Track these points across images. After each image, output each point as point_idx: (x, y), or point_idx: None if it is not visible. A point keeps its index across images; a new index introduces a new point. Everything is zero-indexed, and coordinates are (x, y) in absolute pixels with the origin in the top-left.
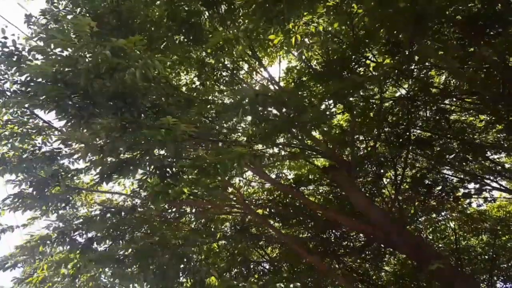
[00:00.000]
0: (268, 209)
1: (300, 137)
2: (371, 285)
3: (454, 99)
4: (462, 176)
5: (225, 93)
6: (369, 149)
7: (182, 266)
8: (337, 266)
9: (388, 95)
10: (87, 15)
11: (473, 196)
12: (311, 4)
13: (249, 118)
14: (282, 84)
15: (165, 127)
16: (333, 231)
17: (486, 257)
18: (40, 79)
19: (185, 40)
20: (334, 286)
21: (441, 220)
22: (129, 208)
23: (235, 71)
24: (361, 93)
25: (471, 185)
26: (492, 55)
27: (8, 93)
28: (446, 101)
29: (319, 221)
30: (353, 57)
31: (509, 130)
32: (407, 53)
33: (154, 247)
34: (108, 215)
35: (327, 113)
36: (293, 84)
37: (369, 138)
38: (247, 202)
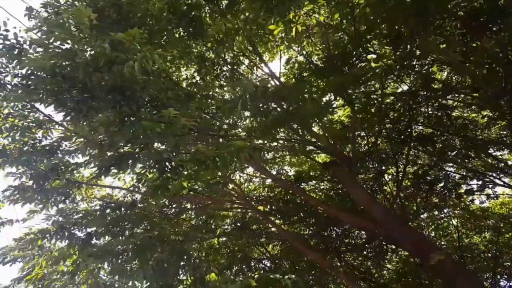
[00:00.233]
0: (269, 206)
1: (300, 132)
2: (373, 283)
3: (456, 95)
4: (464, 173)
5: (225, 88)
6: (370, 145)
7: (182, 263)
8: (338, 264)
9: (389, 91)
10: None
11: (476, 193)
12: None
13: (248, 113)
14: (282, 79)
15: (165, 120)
16: (335, 228)
17: (489, 255)
18: (39, 73)
19: (185, 34)
20: (336, 284)
21: (444, 217)
22: (129, 203)
23: (235, 66)
24: (362, 89)
25: (474, 182)
26: (494, 47)
27: (9, 87)
28: (448, 97)
29: (320, 218)
30: (354, 52)
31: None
32: (408, 47)
33: (153, 242)
34: (108, 210)
35: (327, 106)
36: (293, 79)
37: (371, 134)
38: (247, 198)
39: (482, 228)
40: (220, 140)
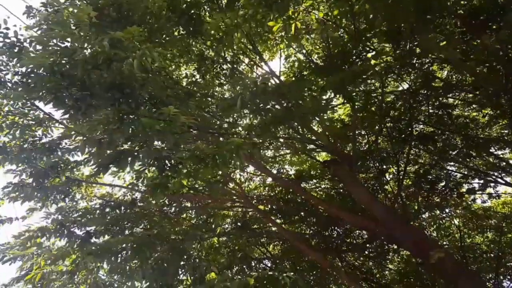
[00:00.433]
0: (269, 205)
1: (300, 130)
2: (374, 284)
3: (457, 94)
4: (466, 172)
5: (225, 87)
6: (371, 144)
7: (181, 262)
8: (339, 264)
9: (390, 89)
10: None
11: (477, 192)
12: None
13: (248, 111)
14: (282, 78)
15: (164, 117)
16: (336, 228)
17: (492, 255)
18: (38, 71)
19: (185, 32)
20: (337, 285)
21: (445, 217)
22: (129, 202)
23: (235, 65)
24: (363, 88)
25: (475, 181)
26: (494, 43)
27: (9, 84)
28: (449, 96)
29: (321, 218)
30: (354, 51)
31: None
32: (408, 44)
33: (153, 240)
34: (108, 209)
35: (327, 104)
36: (294, 78)
37: (371, 133)
38: (248, 197)
39: (484, 228)
40: (220, 138)
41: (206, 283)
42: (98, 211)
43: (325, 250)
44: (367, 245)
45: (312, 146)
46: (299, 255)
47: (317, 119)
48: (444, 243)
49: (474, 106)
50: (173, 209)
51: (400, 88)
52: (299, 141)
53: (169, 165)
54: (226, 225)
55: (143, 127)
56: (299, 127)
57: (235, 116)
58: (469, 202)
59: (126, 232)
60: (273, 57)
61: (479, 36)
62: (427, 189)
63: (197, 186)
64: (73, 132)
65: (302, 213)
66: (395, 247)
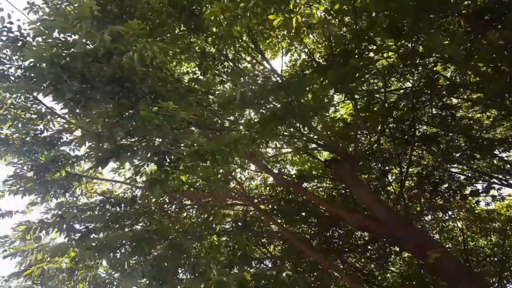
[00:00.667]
0: (270, 205)
1: (301, 129)
2: (376, 286)
3: (461, 94)
4: (469, 174)
5: (226, 85)
6: (373, 144)
7: (181, 260)
8: (341, 266)
9: (393, 88)
10: None
11: (481, 194)
12: None
13: (248, 107)
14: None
15: (164, 112)
16: (337, 229)
17: (495, 258)
18: (38, 63)
19: (186, 29)
20: (338, 286)
21: (448, 219)
22: (129, 199)
23: (236, 63)
24: (365, 87)
25: (479, 183)
26: (499, 39)
27: (12, 78)
28: (453, 97)
29: (322, 218)
30: (356, 50)
31: None
32: (411, 42)
33: (151, 236)
34: (108, 206)
35: (328, 100)
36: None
37: (374, 134)
38: (249, 196)
39: (488, 231)
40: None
41: (202, 277)
42: (98, 208)
43: (326, 251)
44: (369, 246)
45: (313, 145)
46: (299, 256)
47: (318, 117)
48: (447, 246)
49: (478, 107)
50: (173, 207)
51: (403, 88)
52: (300, 139)
53: (168, 160)
54: (227, 225)
55: (142, 121)
56: (301, 125)
57: (236, 115)
58: (473, 205)
59: (126, 229)
60: (275, 55)
61: (484, 35)
62: (430, 190)
63: (197, 184)
64: (73, 127)
65: (303, 214)
66: (397, 249)
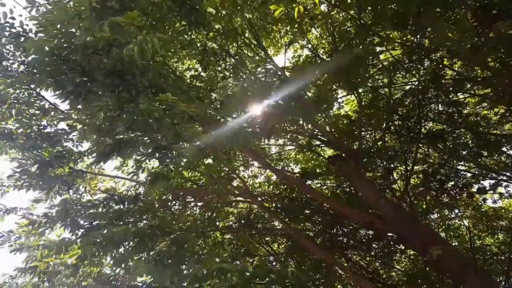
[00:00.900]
0: (274, 204)
1: (305, 125)
2: (381, 284)
3: (468, 90)
4: (476, 172)
5: (229, 80)
6: (378, 141)
7: (185, 257)
8: (345, 264)
9: (398, 84)
10: None
11: (488, 192)
12: None
13: (250, 100)
14: (287, 73)
15: (163, 104)
16: (341, 227)
17: (503, 257)
18: (39, 55)
19: (186, 23)
20: (343, 285)
21: (455, 217)
22: (133, 197)
23: (237, 57)
24: (370, 83)
25: (486, 181)
26: (508, 29)
27: (16, 74)
28: (459, 93)
29: (327, 216)
30: (360, 46)
31: None
32: (417, 36)
33: (154, 231)
34: (111, 203)
35: (331, 94)
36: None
37: (378, 131)
38: (253, 193)
39: (495, 229)
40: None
41: (205, 264)
42: (102, 205)
43: (331, 249)
44: (373, 244)
45: (317, 142)
46: (303, 254)
47: (322, 113)
48: (453, 244)
49: (485, 103)
50: (176, 205)
51: (409, 85)
52: (304, 135)
53: (169, 156)
54: (230, 223)
55: (142, 114)
56: (304, 122)
57: (238, 112)
58: (480, 202)
59: (130, 226)
60: (278, 52)
61: (491, 29)
62: (436, 188)
63: (201, 182)
64: (76, 123)
65: (307, 212)
66: (402, 247)
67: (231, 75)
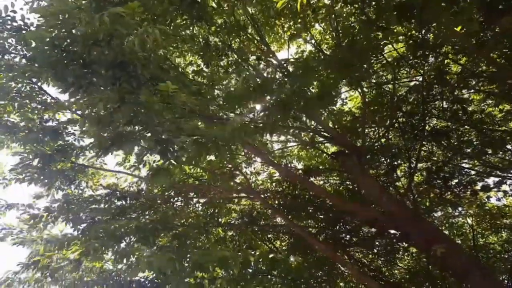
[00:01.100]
0: (277, 201)
1: (307, 121)
2: (383, 282)
3: (473, 87)
4: (480, 170)
5: (231, 75)
6: (381, 138)
7: (187, 253)
8: (348, 260)
9: (403, 81)
10: None
11: (492, 190)
12: None
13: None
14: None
15: (164, 95)
16: (344, 224)
17: (506, 256)
18: (39, 45)
19: (188, 18)
20: (345, 282)
21: (458, 215)
22: (135, 193)
23: (241, 54)
24: (373, 80)
25: (490, 179)
26: None
27: (17, 67)
28: (464, 90)
29: (329, 213)
30: (365, 42)
31: None
32: (421, 31)
33: (156, 226)
34: (113, 199)
35: (335, 88)
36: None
37: (382, 128)
38: (255, 190)
39: (499, 227)
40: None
41: (207, 251)
42: (104, 201)
43: (333, 246)
44: (376, 241)
45: (320, 138)
46: (306, 251)
47: (325, 108)
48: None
49: (490, 100)
50: (179, 202)
51: (413, 81)
52: (306, 131)
53: (171, 150)
54: (233, 220)
55: (142, 106)
56: (307, 118)
57: (240, 108)
58: (484, 200)
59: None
60: (281, 48)
61: (497, 24)
62: (440, 186)
63: (203, 178)
64: (78, 118)
65: (309, 209)
66: (405, 245)
67: (234, 71)
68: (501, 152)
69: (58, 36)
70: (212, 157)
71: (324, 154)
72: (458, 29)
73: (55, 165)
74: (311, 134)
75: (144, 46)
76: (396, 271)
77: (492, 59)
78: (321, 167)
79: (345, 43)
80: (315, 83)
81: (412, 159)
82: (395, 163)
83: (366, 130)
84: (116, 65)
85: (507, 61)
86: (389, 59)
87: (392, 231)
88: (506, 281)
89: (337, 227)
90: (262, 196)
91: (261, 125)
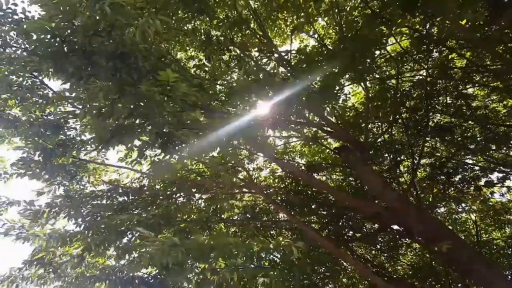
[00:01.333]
0: (279, 197)
1: (310, 117)
2: (386, 277)
3: (477, 79)
4: (483, 165)
5: (234, 70)
6: (384, 133)
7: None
8: (351, 257)
9: (406, 76)
10: None
11: (496, 185)
12: None
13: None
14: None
15: (164, 86)
16: (347, 220)
17: (509, 251)
18: (39, 34)
19: (189, 11)
20: (348, 278)
21: (461, 211)
22: (137, 189)
23: (243, 49)
24: (377, 75)
25: (494, 174)
26: None
27: (18, 61)
28: (468, 86)
29: (332, 209)
30: (368, 36)
31: None
32: (425, 25)
33: (158, 220)
34: (115, 195)
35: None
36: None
37: (385, 124)
38: (258, 185)
39: (502, 223)
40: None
41: (211, 237)
42: (105, 196)
43: (336, 241)
44: (379, 237)
45: (323, 134)
46: (309, 247)
47: (328, 102)
48: None
49: (494, 96)
50: (181, 198)
51: (417, 76)
52: (309, 127)
53: (172, 143)
54: (236, 216)
55: (142, 96)
56: (310, 113)
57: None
58: (487, 196)
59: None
60: (284, 43)
61: (502, 18)
62: (443, 181)
63: (206, 174)
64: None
65: (312, 204)
66: (408, 241)
67: (236, 66)
68: (505, 148)
69: (58, 27)
70: (215, 153)
71: (327, 150)
72: (463, 22)
73: (57, 160)
74: (314, 129)
75: (145, 37)
76: (399, 267)
77: (497, 53)
78: (324, 163)
79: (348, 37)
80: (318, 77)
81: (415, 154)
82: (398, 158)
83: (369, 126)
84: (116, 56)
85: None
86: (393, 54)
87: (395, 227)
88: (509, 277)
89: (340, 223)
90: (264, 191)
91: (263, 121)
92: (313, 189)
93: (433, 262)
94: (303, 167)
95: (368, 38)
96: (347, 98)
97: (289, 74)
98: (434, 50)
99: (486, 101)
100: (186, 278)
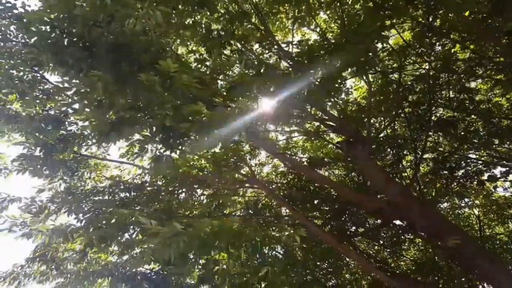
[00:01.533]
0: (282, 192)
1: (311, 110)
2: (389, 273)
3: (480, 73)
4: (486, 159)
5: (236, 65)
6: (387, 128)
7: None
8: (353, 252)
9: (409, 70)
10: None
11: (499, 180)
12: None
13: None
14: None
15: (164, 74)
16: (349, 216)
17: None
18: (38, 26)
19: (189, 4)
20: (351, 273)
21: (464, 206)
22: (139, 184)
23: (244, 43)
24: (379, 69)
25: (497, 169)
26: None
27: (18, 55)
28: (471, 79)
29: (335, 203)
30: (371, 29)
31: None
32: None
33: (160, 215)
34: (117, 190)
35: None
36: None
37: (388, 118)
38: (260, 181)
39: (505, 218)
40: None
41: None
42: (107, 192)
43: (339, 237)
44: (382, 232)
45: (325, 128)
46: (311, 242)
47: (330, 96)
48: None
49: (497, 90)
50: (182, 194)
51: (420, 69)
52: (311, 121)
53: (173, 137)
54: (238, 212)
55: (143, 87)
56: (312, 107)
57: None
58: (490, 191)
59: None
60: (285, 37)
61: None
62: (446, 176)
63: (208, 170)
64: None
65: (315, 200)
66: (411, 236)
67: (237, 61)
68: (508, 142)
69: (58, 18)
70: (217, 149)
71: (330, 145)
72: (466, 14)
73: (57, 155)
74: (316, 124)
75: (145, 28)
76: (402, 262)
77: (501, 45)
78: (326, 158)
79: (350, 30)
80: (320, 71)
81: (418, 149)
82: (401, 153)
83: (372, 120)
84: (116, 48)
85: None
86: (395, 47)
87: (398, 222)
88: None
89: (343, 218)
90: (267, 187)
91: (264, 116)
92: (316, 184)
93: (436, 257)
94: (305, 162)
95: (370, 31)
96: (350, 92)
97: (290, 69)
98: (437, 43)
99: (489, 95)
100: (188, 272)
